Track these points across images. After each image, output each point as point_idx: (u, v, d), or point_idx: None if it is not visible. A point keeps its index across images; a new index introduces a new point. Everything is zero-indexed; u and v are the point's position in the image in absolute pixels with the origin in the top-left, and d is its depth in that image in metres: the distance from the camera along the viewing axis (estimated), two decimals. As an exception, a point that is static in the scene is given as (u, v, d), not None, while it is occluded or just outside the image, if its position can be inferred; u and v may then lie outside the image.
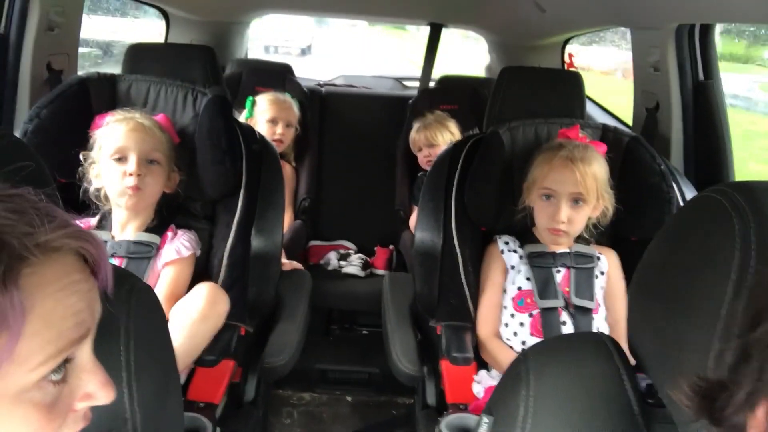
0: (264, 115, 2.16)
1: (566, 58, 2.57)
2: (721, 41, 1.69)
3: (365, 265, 2.21)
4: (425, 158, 2.20)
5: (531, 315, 1.27)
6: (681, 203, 1.35)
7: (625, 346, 0.66)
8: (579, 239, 1.32)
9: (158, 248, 1.28)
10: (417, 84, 2.91)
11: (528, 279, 1.30)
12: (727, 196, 0.52)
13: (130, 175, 1.21)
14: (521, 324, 1.28)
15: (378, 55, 12.57)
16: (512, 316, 1.29)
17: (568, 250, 1.31)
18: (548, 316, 1.25)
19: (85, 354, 0.49)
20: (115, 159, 1.22)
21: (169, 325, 1.18)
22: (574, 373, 0.62)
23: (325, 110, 2.56)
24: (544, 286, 1.28)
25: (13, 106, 1.54)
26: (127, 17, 3.11)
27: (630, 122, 1.93)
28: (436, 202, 1.40)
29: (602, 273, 1.31)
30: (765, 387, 0.41)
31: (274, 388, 2.01)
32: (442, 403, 1.30)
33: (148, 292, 0.71)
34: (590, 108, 2.26)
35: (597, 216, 1.28)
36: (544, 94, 1.43)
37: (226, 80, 2.27)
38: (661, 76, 1.67)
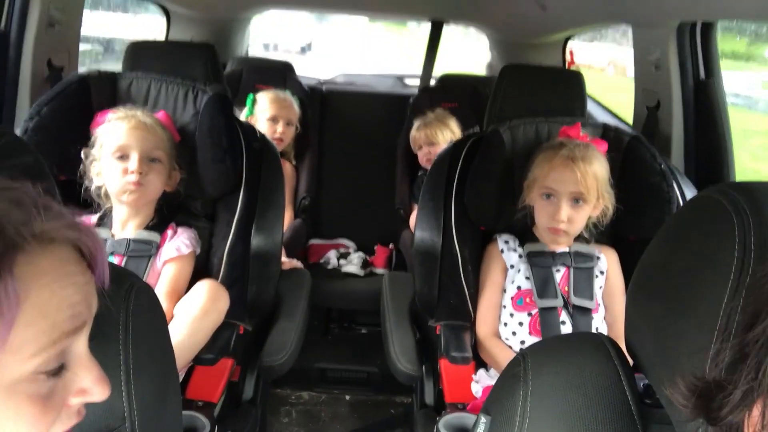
0: (264, 113, 2.15)
1: (567, 56, 2.56)
2: (722, 39, 1.69)
3: (365, 264, 2.21)
4: (425, 157, 2.20)
5: (530, 314, 1.27)
6: (681, 203, 1.34)
7: (622, 344, 0.66)
8: (579, 238, 1.31)
9: (158, 246, 1.28)
10: (417, 82, 2.91)
11: (527, 278, 1.30)
12: (726, 196, 0.52)
13: (132, 173, 1.21)
14: (520, 323, 1.28)
15: (378, 53, 12.54)
16: (511, 315, 1.29)
17: (567, 250, 1.31)
18: (547, 316, 1.25)
19: (80, 348, 0.49)
20: (117, 157, 1.22)
21: (171, 322, 1.20)
22: (572, 373, 0.62)
23: (326, 108, 2.56)
24: (544, 285, 1.28)
25: (14, 104, 1.53)
26: (127, 13, 3.11)
27: (627, 119, 1.93)
28: (436, 201, 1.40)
29: (602, 272, 1.31)
30: (761, 386, 0.41)
31: (272, 387, 2.01)
32: (441, 403, 1.29)
33: (148, 291, 0.71)
34: (591, 107, 2.26)
35: (597, 215, 1.28)
36: (545, 93, 1.43)
37: (226, 78, 2.27)
38: (662, 74, 1.67)
